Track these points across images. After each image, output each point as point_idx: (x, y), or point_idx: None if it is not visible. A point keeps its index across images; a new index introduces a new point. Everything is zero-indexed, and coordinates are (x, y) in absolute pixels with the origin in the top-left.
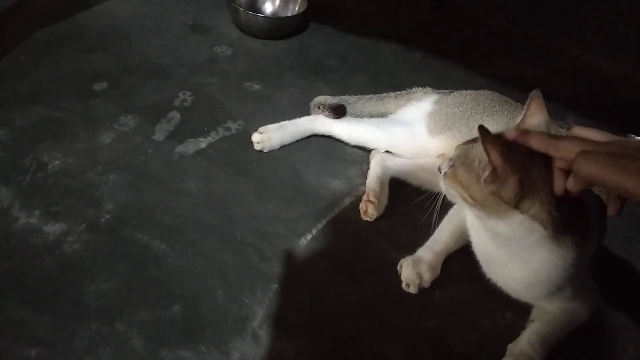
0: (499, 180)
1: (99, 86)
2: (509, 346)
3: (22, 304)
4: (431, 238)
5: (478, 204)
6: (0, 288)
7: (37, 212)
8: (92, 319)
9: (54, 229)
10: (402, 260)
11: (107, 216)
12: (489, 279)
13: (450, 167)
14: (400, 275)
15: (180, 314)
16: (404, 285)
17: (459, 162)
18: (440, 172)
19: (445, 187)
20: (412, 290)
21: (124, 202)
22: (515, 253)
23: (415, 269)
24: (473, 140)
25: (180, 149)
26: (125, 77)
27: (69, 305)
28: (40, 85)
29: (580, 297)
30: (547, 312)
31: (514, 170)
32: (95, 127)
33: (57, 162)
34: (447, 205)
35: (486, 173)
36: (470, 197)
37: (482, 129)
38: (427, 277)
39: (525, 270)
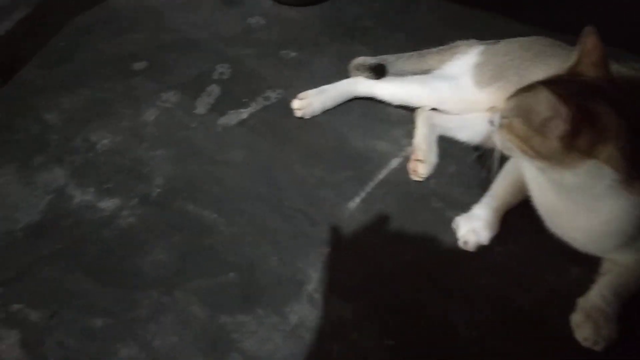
0: (572, 132)
1: (138, 65)
2: (579, 300)
3: (84, 276)
4: (487, 194)
5: (541, 156)
6: (63, 263)
7: (91, 189)
8: (152, 288)
9: (108, 204)
10: (457, 218)
11: (158, 190)
12: (553, 233)
13: (504, 120)
14: (456, 234)
15: (236, 280)
16: (461, 243)
17: (513, 114)
18: (492, 126)
19: (500, 141)
20: (470, 248)
21: (172, 176)
22: (582, 204)
23: (471, 226)
24: (525, 90)
25: (223, 120)
26: (162, 54)
27: (129, 276)
28: (82, 68)
29: None
30: (620, 265)
31: (589, 119)
32: (139, 105)
33: (106, 141)
34: (502, 160)
35: (559, 127)
36: (532, 149)
37: (544, 83)
38: (485, 234)
39: (594, 222)
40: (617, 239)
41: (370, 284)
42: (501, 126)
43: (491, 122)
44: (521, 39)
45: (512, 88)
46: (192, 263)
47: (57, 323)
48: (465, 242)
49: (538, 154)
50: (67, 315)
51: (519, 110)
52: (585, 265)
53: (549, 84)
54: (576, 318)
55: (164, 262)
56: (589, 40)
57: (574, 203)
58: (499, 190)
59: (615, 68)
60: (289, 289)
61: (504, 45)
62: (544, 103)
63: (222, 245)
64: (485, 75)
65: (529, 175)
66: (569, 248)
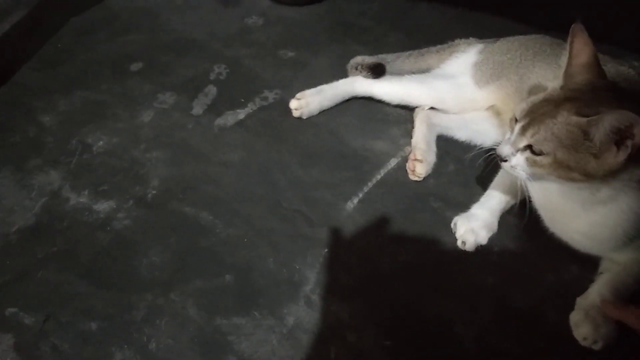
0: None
1: (135, 66)
2: (578, 299)
3: (79, 279)
4: (486, 193)
5: (590, 176)
6: (58, 265)
7: (86, 192)
8: (147, 291)
9: (103, 207)
10: (456, 218)
11: (154, 191)
12: (552, 234)
13: (535, 157)
14: (454, 234)
15: (232, 282)
16: (459, 243)
17: (556, 146)
18: (509, 161)
19: (527, 175)
20: (468, 247)
21: (168, 177)
22: (590, 208)
23: (470, 226)
24: (551, 118)
25: (220, 121)
26: (159, 55)
27: (124, 279)
28: (79, 70)
29: None
30: (618, 263)
31: None
32: (135, 107)
33: (102, 142)
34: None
35: (636, 143)
36: (582, 173)
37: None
38: (483, 234)
39: (600, 224)
40: (620, 239)
41: (367, 284)
42: (539, 162)
43: (511, 168)
44: (521, 37)
45: (511, 86)
46: (188, 265)
47: (52, 327)
48: (464, 242)
49: (587, 176)
50: (61, 319)
51: (563, 140)
52: (583, 265)
53: (571, 103)
54: (575, 317)
55: (159, 265)
56: (577, 40)
57: (581, 207)
58: (497, 190)
59: (614, 66)
60: (286, 290)
61: (503, 44)
62: (619, 123)
63: (218, 247)
64: (485, 73)
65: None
66: (568, 248)
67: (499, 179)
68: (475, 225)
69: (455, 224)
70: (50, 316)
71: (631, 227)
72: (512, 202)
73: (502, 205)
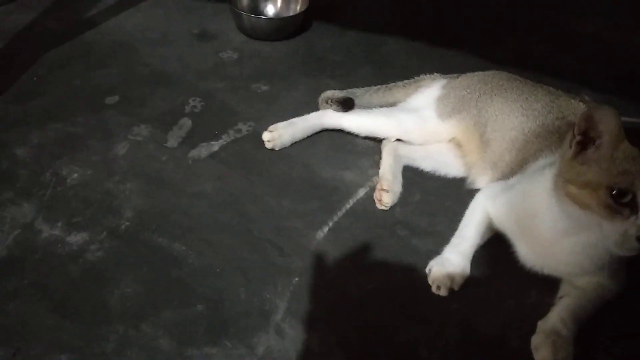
0: None
1: (110, 99)
2: (539, 323)
3: (50, 312)
4: (456, 234)
5: None
6: (29, 298)
7: (59, 224)
8: (118, 323)
9: (76, 238)
10: (431, 263)
11: (127, 223)
12: (522, 262)
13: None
14: (428, 277)
15: (204, 313)
16: (434, 288)
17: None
18: None
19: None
20: (443, 292)
21: (142, 209)
22: (595, 236)
23: (445, 272)
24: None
25: (194, 153)
26: (135, 88)
27: (95, 311)
28: (54, 103)
29: (615, 271)
30: (578, 288)
31: None
32: (110, 139)
33: (76, 175)
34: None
35: None
36: None
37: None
38: (458, 280)
39: (590, 251)
40: (600, 262)
41: (337, 312)
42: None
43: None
44: (480, 73)
45: (471, 120)
46: (159, 296)
47: None
48: (439, 287)
49: None
50: (30, 352)
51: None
52: (542, 289)
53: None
54: (536, 340)
55: (131, 296)
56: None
57: (587, 236)
58: (468, 231)
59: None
60: (256, 319)
61: (464, 79)
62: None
63: (190, 277)
64: (447, 107)
65: (524, 214)
66: (527, 273)
67: (469, 219)
68: (450, 270)
69: (430, 270)
70: (19, 349)
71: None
72: (482, 242)
73: (474, 248)
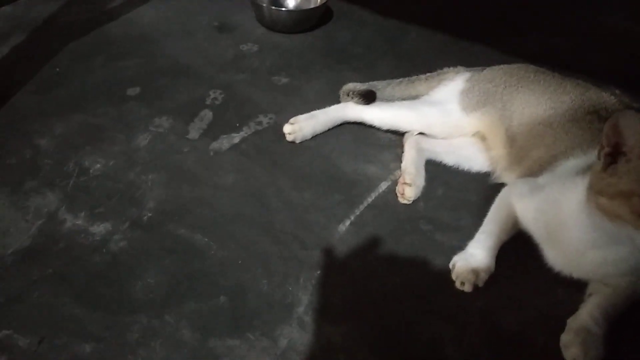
0: None
1: (132, 91)
2: (569, 321)
3: (74, 302)
4: (481, 229)
5: None
6: (53, 288)
7: (82, 214)
8: (142, 313)
9: (99, 229)
10: (455, 258)
11: (149, 214)
12: (543, 258)
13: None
14: (452, 273)
15: (226, 304)
16: (457, 284)
17: None
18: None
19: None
20: (467, 288)
21: (164, 200)
22: (617, 252)
23: (469, 267)
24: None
25: (215, 145)
26: (156, 80)
27: (119, 301)
28: (76, 94)
29: None
30: (608, 285)
31: None
32: (132, 130)
33: (98, 165)
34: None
35: None
36: None
37: None
38: (483, 276)
39: (620, 263)
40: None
41: (360, 307)
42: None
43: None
44: (505, 66)
45: (496, 113)
46: (182, 287)
47: (46, 349)
48: (463, 283)
49: None
50: (56, 341)
51: None
52: (568, 287)
53: None
54: (565, 338)
55: (154, 286)
56: None
57: (617, 249)
58: (493, 227)
59: (596, 93)
60: (279, 312)
61: (488, 72)
62: None
63: (212, 269)
64: (472, 100)
65: (556, 213)
66: (552, 271)
67: (494, 215)
68: (474, 266)
69: (454, 265)
70: (44, 338)
71: None
72: (507, 238)
73: (499, 244)
